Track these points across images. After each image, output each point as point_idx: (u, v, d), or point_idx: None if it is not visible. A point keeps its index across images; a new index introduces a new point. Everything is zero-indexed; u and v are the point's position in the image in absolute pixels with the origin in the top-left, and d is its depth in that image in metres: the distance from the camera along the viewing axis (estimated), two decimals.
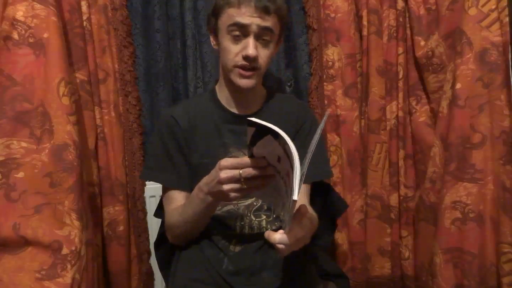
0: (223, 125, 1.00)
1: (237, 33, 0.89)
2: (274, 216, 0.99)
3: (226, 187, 0.75)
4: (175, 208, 0.97)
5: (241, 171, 0.72)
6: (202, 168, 0.84)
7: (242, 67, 0.91)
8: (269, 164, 0.71)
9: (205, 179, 0.82)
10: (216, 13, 0.93)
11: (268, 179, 0.73)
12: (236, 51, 0.90)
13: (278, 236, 0.68)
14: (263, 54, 0.91)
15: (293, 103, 1.09)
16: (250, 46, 0.88)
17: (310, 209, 0.97)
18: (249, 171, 0.72)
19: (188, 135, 0.99)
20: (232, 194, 0.75)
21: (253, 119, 0.66)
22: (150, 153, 1.07)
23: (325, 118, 0.71)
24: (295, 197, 0.59)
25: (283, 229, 0.71)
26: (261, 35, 0.89)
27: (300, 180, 0.60)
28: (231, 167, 0.74)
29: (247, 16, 0.87)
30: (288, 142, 0.62)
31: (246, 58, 0.89)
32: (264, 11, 0.87)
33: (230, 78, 0.94)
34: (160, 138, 1.00)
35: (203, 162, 0.94)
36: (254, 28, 0.88)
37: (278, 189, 0.73)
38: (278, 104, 1.06)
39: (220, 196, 0.79)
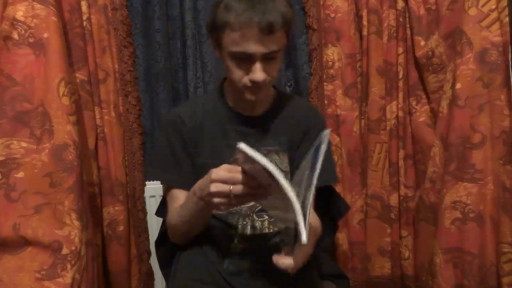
0: (229, 125, 0.99)
1: (241, 58, 0.84)
2: None
3: (215, 200, 0.73)
4: (175, 208, 0.97)
5: (231, 188, 0.70)
6: (207, 168, 0.83)
7: (251, 87, 0.88)
8: (260, 186, 0.69)
9: (199, 183, 0.81)
10: (214, 32, 0.87)
11: (258, 198, 0.72)
12: (242, 73, 0.87)
13: (286, 262, 0.68)
14: (271, 70, 0.87)
15: (303, 106, 1.06)
16: (258, 72, 0.84)
17: (314, 216, 0.96)
18: (239, 189, 0.69)
19: (195, 135, 0.98)
20: (222, 207, 0.74)
21: (243, 147, 0.64)
22: (156, 153, 1.06)
23: (326, 137, 0.67)
24: (304, 240, 0.59)
25: (285, 245, 0.71)
26: (267, 56, 0.85)
27: (305, 219, 0.60)
28: (221, 181, 0.72)
29: (252, 43, 0.81)
30: (278, 178, 0.59)
31: (254, 82, 0.86)
32: (268, 30, 0.80)
33: (238, 92, 0.92)
34: (166, 137, 0.99)
35: (208, 163, 0.94)
36: (258, 55, 0.83)
37: (273, 202, 0.72)
38: (287, 106, 1.03)
39: (209, 205, 0.78)
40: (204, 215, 0.90)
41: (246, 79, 0.87)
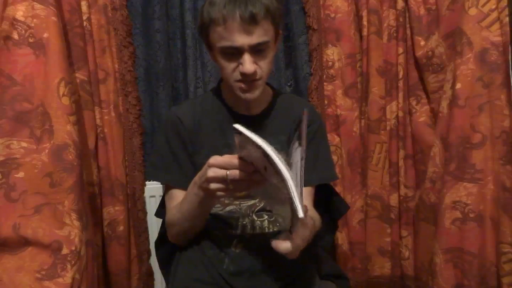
0: (228, 125, 0.99)
1: (230, 52, 0.86)
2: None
3: (212, 186, 0.74)
4: (175, 206, 0.97)
5: (228, 172, 0.71)
6: None
7: (243, 81, 0.89)
8: (256, 171, 0.70)
9: (199, 173, 0.82)
10: (203, 31, 0.90)
11: (254, 184, 0.72)
12: (233, 67, 0.88)
13: (284, 245, 0.70)
14: (262, 63, 0.89)
15: (300, 104, 1.06)
16: (247, 64, 0.85)
17: (313, 211, 0.97)
18: (236, 173, 0.71)
19: (193, 135, 0.98)
20: (218, 193, 0.75)
21: (238, 126, 0.66)
22: (155, 152, 1.07)
23: (305, 117, 0.68)
24: (300, 214, 0.59)
25: (281, 230, 0.71)
26: (256, 48, 0.86)
27: (300, 195, 0.60)
28: (218, 166, 0.73)
29: (236, 34, 0.83)
30: (272, 156, 0.60)
31: (244, 75, 0.87)
32: (251, 21, 0.82)
33: (233, 91, 0.93)
34: (165, 137, 1.00)
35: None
36: (246, 47, 0.84)
37: (270, 193, 0.73)
38: (284, 105, 1.04)
39: (208, 194, 0.79)
40: (204, 209, 0.90)
41: (237, 73, 0.88)
